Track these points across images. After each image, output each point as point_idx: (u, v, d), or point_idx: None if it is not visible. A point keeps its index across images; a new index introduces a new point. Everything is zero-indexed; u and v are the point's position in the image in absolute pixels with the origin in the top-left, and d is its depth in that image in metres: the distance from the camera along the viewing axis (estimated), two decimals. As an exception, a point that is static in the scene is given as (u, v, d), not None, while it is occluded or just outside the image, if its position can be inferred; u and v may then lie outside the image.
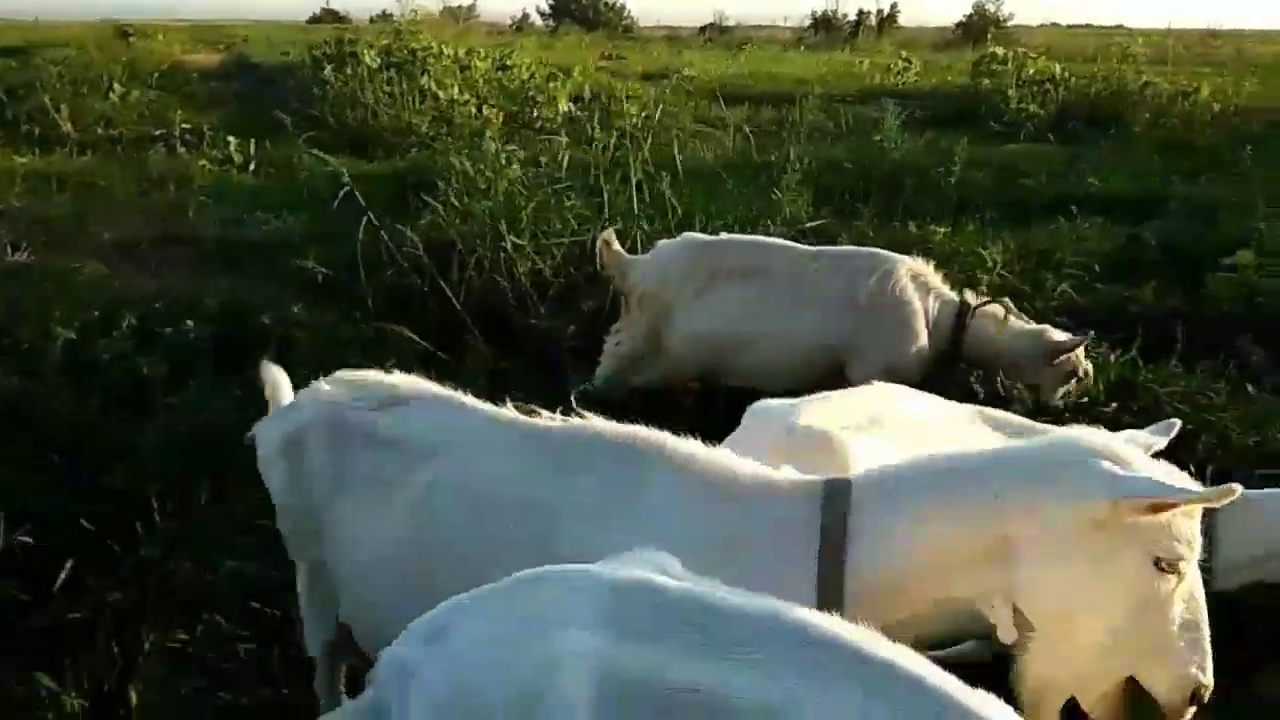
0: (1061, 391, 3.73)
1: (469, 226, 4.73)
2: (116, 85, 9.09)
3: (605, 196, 5.07)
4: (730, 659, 1.09)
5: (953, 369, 3.74)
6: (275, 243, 5.42)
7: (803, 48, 27.97)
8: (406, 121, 9.42)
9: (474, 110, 10.24)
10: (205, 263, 5.18)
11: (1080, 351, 3.75)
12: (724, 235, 4.13)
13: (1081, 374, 3.79)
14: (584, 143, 7.24)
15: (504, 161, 5.31)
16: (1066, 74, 12.27)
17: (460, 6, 35.12)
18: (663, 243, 3.90)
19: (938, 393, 2.63)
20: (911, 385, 3.48)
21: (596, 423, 1.74)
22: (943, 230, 5.11)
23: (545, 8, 38.76)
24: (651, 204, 5.27)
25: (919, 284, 3.63)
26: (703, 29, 36.33)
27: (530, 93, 11.11)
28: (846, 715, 1.06)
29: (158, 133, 7.90)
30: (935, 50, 26.17)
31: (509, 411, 1.85)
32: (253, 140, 7.58)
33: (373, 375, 2.03)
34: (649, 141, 5.96)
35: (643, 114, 10.77)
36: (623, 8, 39.26)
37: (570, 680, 1.07)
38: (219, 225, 5.80)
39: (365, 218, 4.45)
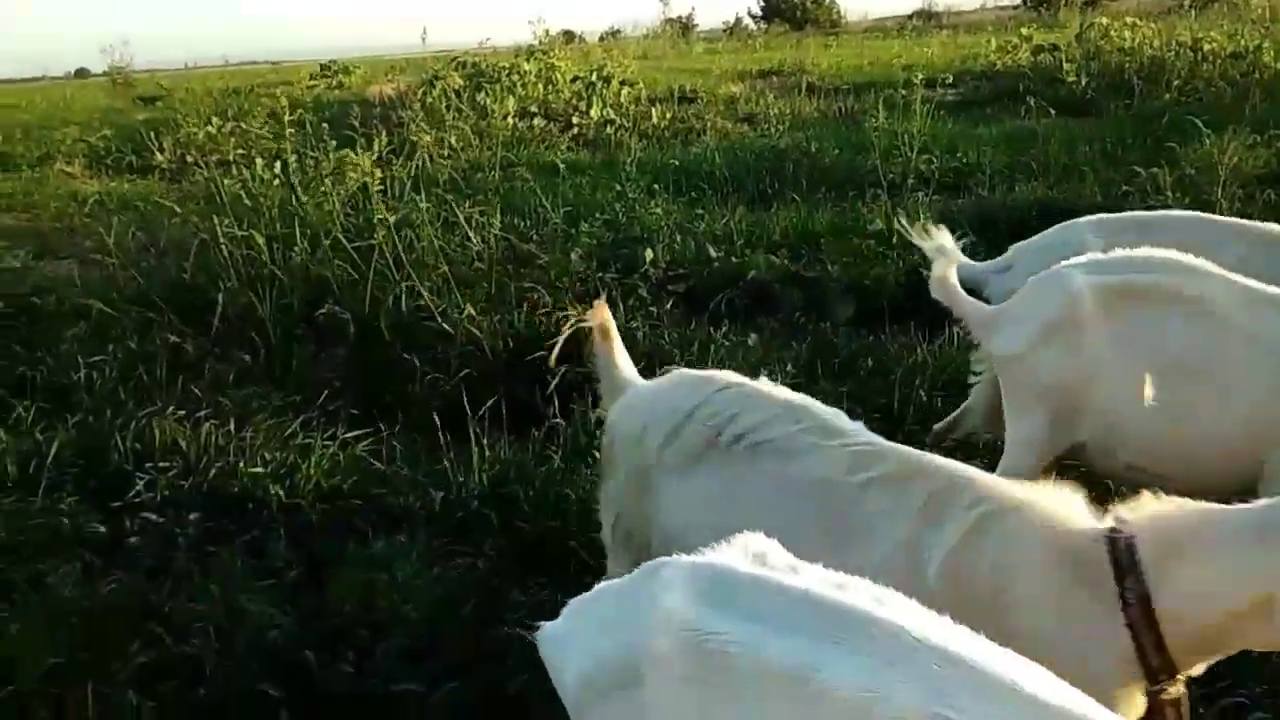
0: None
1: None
2: (214, 119, 11.20)
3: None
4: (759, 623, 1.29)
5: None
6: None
7: (989, 29, 26.91)
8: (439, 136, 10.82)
9: (513, 122, 11.53)
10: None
11: None
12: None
13: None
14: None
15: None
16: (1141, 41, 11.61)
17: (680, 19, 37.13)
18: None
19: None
20: None
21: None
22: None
23: (757, 10, 39.68)
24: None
25: None
26: (910, 17, 35.57)
27: (573, 102, 12.22)
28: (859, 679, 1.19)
29: (214, 159, 9.84)
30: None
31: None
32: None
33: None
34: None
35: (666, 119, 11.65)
36: (832, 4, 39.24)
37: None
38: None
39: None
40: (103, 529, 3.21)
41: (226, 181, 8.39)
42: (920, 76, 13.16)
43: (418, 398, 4.15)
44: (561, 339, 2.77)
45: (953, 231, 4.88)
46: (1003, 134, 8.47)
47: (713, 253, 5.19)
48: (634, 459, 2.18)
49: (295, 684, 2.47)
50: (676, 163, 7.80)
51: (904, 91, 8.58)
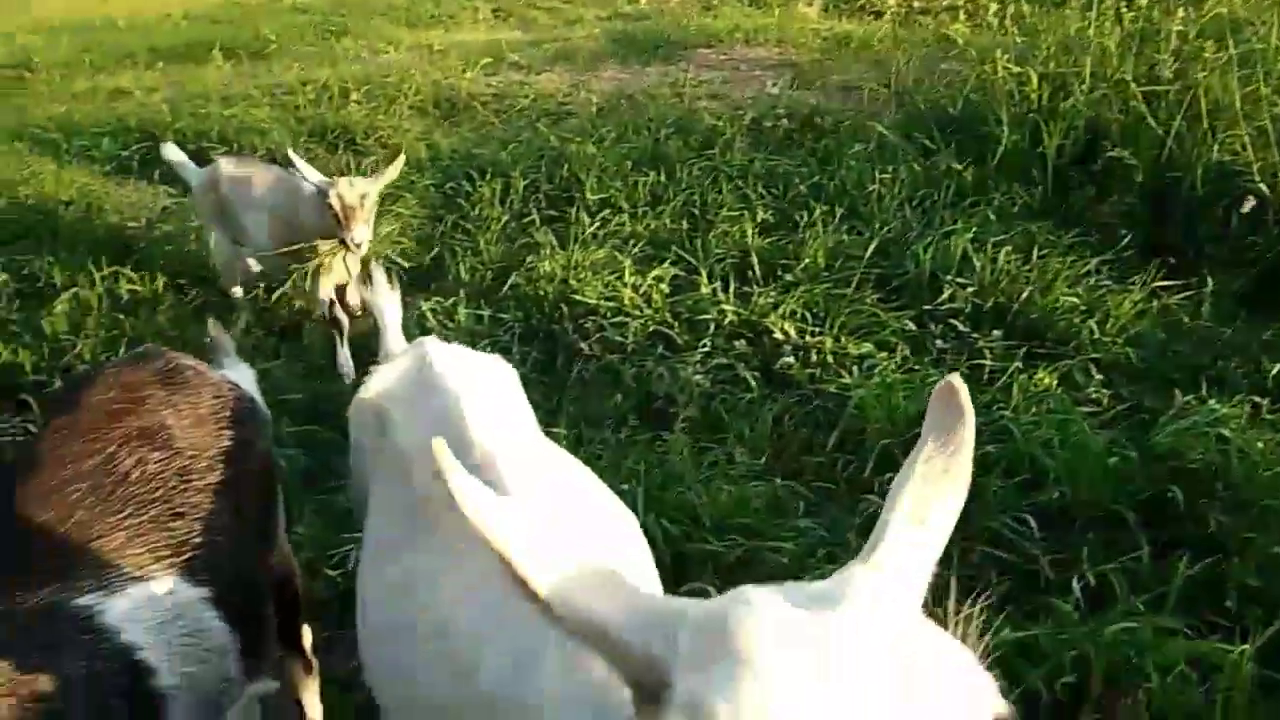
0: None
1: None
2: (944, -35, 11.13)
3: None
4: None
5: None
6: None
7: None
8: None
9: None
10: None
11: None
12: None
13: None
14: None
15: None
16: None
17: None
18: None
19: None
20: None
21: None
22: None
23: None
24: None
25: None
26: None
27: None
28: None
29: (943, 4, 9.79)
30: None
31: None
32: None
33: None
34: None
35: None
36: None
37: None
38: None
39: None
40: (913, 327, 3.44)
41: (956, 26, 8.30)
42: None
43: (1225, 257, 3.73)
44: None
45: None
46: None
47: None
48: None
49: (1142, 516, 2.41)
50: None
51: None
